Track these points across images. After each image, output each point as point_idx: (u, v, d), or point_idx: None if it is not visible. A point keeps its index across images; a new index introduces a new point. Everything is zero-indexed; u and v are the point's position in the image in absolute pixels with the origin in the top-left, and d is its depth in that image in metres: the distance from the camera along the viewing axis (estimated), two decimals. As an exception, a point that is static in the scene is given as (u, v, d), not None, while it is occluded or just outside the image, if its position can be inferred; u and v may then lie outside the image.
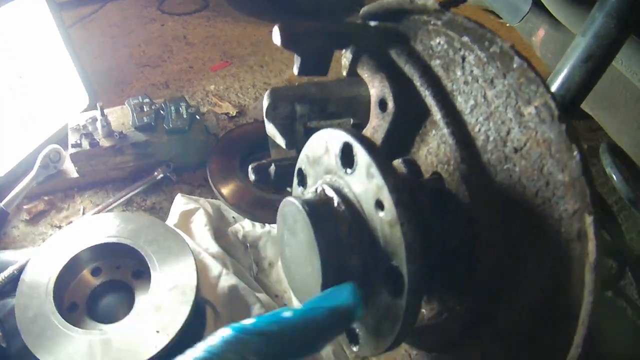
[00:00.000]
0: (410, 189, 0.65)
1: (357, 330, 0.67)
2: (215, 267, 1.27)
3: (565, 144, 0.53)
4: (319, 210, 0.62)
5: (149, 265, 1.23)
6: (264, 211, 1.58)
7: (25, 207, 1.50)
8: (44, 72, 1.56)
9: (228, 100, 2.07)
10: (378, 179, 0.57)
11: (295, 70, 0.80)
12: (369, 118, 0.88)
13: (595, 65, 0.98)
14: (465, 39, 0.65)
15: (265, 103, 0.96)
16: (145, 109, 1.61)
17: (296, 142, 1.00)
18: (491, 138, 0.63)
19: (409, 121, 0.76)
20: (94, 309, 1.23)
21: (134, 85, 1.99)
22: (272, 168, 0.91)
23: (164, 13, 2.45)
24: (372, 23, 0.85)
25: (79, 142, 1.50)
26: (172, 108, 1.65)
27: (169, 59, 2.18)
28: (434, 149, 0.73)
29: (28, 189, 1.47)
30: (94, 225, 1.32)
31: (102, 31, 2.26)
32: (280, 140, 0.98)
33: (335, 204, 0.63)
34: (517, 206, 0.59)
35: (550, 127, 0.55)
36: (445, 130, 0.67)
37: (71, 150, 1.50)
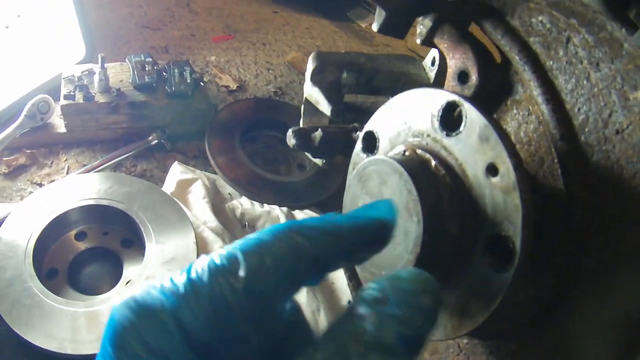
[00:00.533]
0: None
1: None
2: (215, 243, 1.16)
3: None
4: (417, 171, 0.54)
5: (144, 233, 1.11)
6: (263, 190, 1.48)
7: (4, 158, 1.36)
8: (43, 15, 1.42)
9: (229, 74, 1.96)
10: (494, 142, 0.51)
11: (375, 27, 0.77)
12: None
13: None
14: (573, 20, 0.65)
15: (311, 66, 0.90)
16: (147, 68, 1.49)
17: (343, 110, 0.92)
18: (591, 119, 0.62)
19: (488, 97, 0.73)
20: (75, 277, 1.11)
21: (132, 45, 1.86)
22: (319, 133, 0.83)
23: (167, -23, 2.31)
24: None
25: (72, 93, 1.37)
26: (176, 71, 1.53)
27: (170, 24, 2.06)
28: (514, 128, 0.73)
29: (10, 139, 1.33)
30: (83, 184, 1.20)
31: (102, -15, 2.12)
32: (326, 107, 0.89)
33: (433, 167, 0.55)
34: (612, 186, 0.59)
35: None
36: (544, 107, 0.65)
37: (63, 102, 1.36)
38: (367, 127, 0.69)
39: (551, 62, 0.67)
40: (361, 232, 0.42)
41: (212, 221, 1.24)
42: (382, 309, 0.35)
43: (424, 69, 1.00)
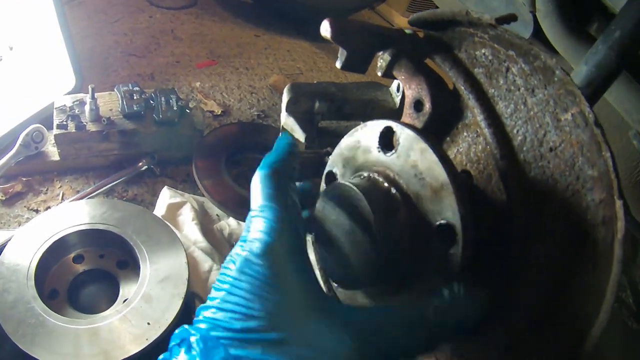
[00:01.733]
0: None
1: None
2: (205, 262, 1.24)
3: (597, 145, 0.61)
4: (372, 194, 0.67)
5: (138, 255, 1.19)
6: (247, 211, 1.55)
7: (1, 186, 1.43)
8: (35, 47, 1.50)
9: (213, 99, 2.04)
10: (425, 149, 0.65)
11: (339, 65, 0.82)
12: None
13: (594, 91, 1.09)
14: (511, 52, 0.72)
15: (286, 97, 0.97)
16: (135, 97, 1.56)
17: (317, 136, 1.00)
18: (528, 139, 0.70)
19: (440, 123, 0.81)
20: (75, 298, 1.18)
21: (120, 73, 1.94)
22: None
23: (152, 5, 2.39)
24: (407, 31, 0.89)
25: (65, 123, 1.45)
26: (163, 99, 1.61)
27: (155, 51, 2.14)
28: (464, 149, 0.80)
29: (6, 167, 1.40)
30: (79, 210, 1.27)
31: (89, 15, 2.19)
32: (300, 135, 0.97)
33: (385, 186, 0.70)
34: (547, 198, 0.66)
35: (584, 130, 0.63)
36: (487, 131, 0.73)
37: (56, 131, 1.44)
38: (328, 166, 0.82)
39: (493, 90, 0.75)
40: None
41: (202, 241, 1.32)
42: None
43: (391, 95, 1.09)
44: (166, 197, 1.45)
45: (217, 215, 1.54)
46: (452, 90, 0.83)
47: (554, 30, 1.31)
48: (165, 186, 1.51)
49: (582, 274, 0.61)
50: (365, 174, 0.73)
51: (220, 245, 1.39)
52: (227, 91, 2.12)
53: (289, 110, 0.96)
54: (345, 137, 0.81)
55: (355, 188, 0.67)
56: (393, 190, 0.69)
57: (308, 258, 0.61)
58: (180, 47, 2.23)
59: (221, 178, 1.62)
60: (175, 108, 1.60)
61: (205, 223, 1.47)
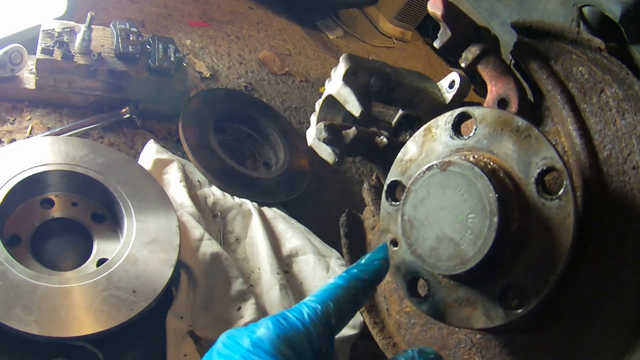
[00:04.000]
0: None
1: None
2: (196, 229, 1.11)
3: None
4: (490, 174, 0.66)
5: (122, 209, 1.04)
6: (233, 182, 1.44)
7: (-38, 105, 1.24)
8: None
9: (202, 60, 1.91)
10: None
11: (437, 44, 0.85)
12: (426, 114, 0.96)
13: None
14: (607, 76, 0.77)
15: (344, 66, 0.92)
16: (131, 38, 1.41)
17: (369, 114, 0.92)
18: (613, 155, 0.74)
19: None
20: (38, 249, 1.01)
21: (110, 12, 1.76)
22: (352, 131, 0.83)
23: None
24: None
25: (51, 48, 1.27)
26: (160, 46, 1.46)
27: (148, -2, 1.97)
28: None
29: (-26, 85, 1.22)
30: (56, 147, 1.11)
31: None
32: (355, 107, 0.89)
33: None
34: (625, 208, 0.71)
35: None
36: (578, 140, 0.76)
37: (39, 56, 1.26)
38: (390, 176, 0.80)
39: (585, 106, 0.79)
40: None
41: (190, 206, 1.19)
42: None
43: (440, 89, 1.02)
44: (152, 150, 1.30)
45: (198, 181, 1.41)
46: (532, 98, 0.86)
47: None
48: (152, 139, 1.36)
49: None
50: (464, 157, 0.68)
51: (203, 213, 1.26)
52: (217, 56, 1.99)
53: (346, 80, 0.89)
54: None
55: (475, 166, 0.62)
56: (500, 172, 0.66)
57: None
58: (174, 1, 2.07)
59: (208, 142, 1.49)
60: (172, 59, 1.46)
61: (188, 187, 1.33)
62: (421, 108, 0.94)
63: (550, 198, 0.62)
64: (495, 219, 0.61)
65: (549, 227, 0.61)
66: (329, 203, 1.72)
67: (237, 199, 1.39)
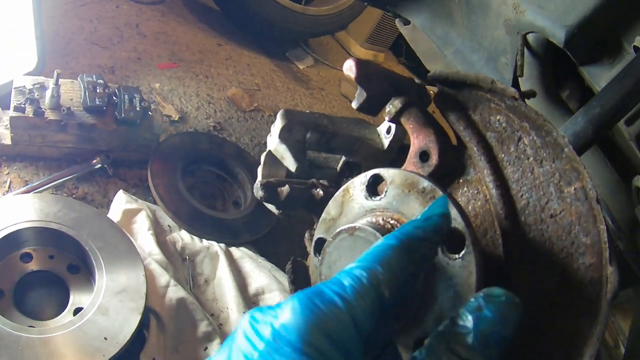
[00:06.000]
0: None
1: None
2: (162, 276, 1.20)
3: (593, 218, 0.69)
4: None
5: (93, 261, 1.12)
6: (202, 225, 1.52)
7: (-60, 165, 1.31)
8: (1, 20, 1.40)
9: (171, 103, 1.99)
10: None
11: (355, 105, 0.84)
12: (366, 160, 1.00)
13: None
14: (525, 124, 0.79)
15: (280, 123, 0.96)
16: (98, 90, 1.49)
17: (305, 168, 0.99)
18: (531, 204, 0.76)
19: (443, 175, 0.84)
20: (21, 300, 1.09)
21: (80, 61, 1.84)
22: (286, 188, 0.90)
23: (118, -6, 2.31)
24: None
25: (23, 106, 1.35)
26: (126, 97, 1.54)
27: (118, 44, 2.06)
28: (463, 202, 0.83)
29: (-50, 146, 1.29)
30: (30, 204, 1.19)
31: (55, -5, 2.07)
32: (291, 163, 0.96)
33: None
34: (545, 258, 0.73)
35: (584, 204, 0.71)
36: (494, 191, 0.78)
37: (12, 114, 1.34)
38: (317, 233, 0.82)
39: (503, 155, 0.81)
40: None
41: (157, 254, 1.28)
42: (480, 314, 0.50)
43: (378, 135, 1.10)
44: (122, 201, 1.39)
45: (168, 226, 1.49)
46: (455, 146, 0.86)
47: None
48: (121, 190, 1.44)
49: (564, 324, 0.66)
50: (374, 219, 0.74)
51: (172, 258, 1.35)
52: (185, 97, 2.07)
53: (282, 137, 0.95)
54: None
55: (377, 232, 0.68)
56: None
57: None
58: (143, 44, 2.15)
59: (176, 188, 1.57)
60: (138, 108, 1.54)
61: (157, 233, 1.42)
62: (360, 155, 1.00)
63: (454, 258, 0.64)
64: None
65: (454, 284, 0.65)
66: (300, 239, 1.80)
67: (205, 242, 1.47)
